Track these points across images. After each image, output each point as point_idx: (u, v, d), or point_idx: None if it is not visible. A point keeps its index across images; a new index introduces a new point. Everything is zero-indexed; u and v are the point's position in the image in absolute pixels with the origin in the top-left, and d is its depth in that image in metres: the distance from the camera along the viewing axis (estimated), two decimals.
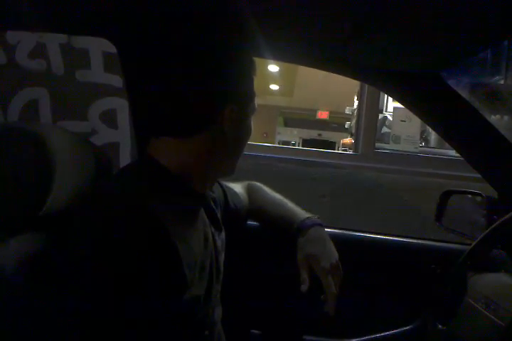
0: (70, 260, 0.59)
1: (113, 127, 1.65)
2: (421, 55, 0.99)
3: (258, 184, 1.22)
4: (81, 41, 1.63)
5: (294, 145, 9.62)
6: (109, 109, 1.65)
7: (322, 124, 9.90)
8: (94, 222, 0.62)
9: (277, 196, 1.17)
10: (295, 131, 10.72)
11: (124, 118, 1.64)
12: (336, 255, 1.00)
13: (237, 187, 1.15)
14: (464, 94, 2.03)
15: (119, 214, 0.61)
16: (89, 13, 0.98)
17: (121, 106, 1.63)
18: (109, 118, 1.65)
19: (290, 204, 1.13)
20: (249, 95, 0.78)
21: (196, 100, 0.70)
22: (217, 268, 0.84)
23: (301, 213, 1.09)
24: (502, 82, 2.67)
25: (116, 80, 1.63)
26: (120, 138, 1.64)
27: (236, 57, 0.74)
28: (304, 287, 0.94)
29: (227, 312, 0.90)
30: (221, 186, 1.05)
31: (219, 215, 0.91)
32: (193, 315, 0.72)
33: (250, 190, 1.19)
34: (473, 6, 0.71)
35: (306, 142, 9.71)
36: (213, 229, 0.84)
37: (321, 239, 1.02)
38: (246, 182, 1.22)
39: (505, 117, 2.43)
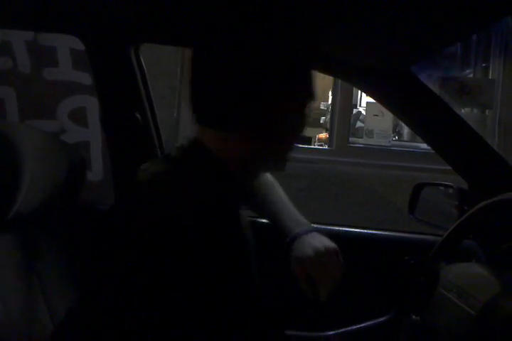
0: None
1: (83, 126, 1.62)
2: (390, 51, 1.00)
3: (272, 178, 1.14)
4: (48, 38, 1.59)
5: None
6: (79, 108, 1.61)
7: None
8: (163, 203, 0.64)
9: (284, 197, 1.12)
10: None
11: (94, 116, 1.61)
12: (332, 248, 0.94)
13: None
14: (434, 88, 2.07)
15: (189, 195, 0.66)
16: (57, 10, 0.95)
17: (90, 104, 1.60)
18: (79, 117, 1.62)
19: (293, 210, 1.07)
20: (301, 91, 0.75)
21: (246, 98, 0.69)
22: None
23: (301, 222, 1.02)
24: (471, 75, 2.72)
25: (85, 78, 1.59)
26: (90, 136, 1.61)
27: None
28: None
29: None
30: None
31: None
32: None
33: (263, 182, 1.11)
34: (440, 1, 0.72)
35: None
36: None
37: (312, 240, 0.95)
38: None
39: (475, 110, 2.47)
